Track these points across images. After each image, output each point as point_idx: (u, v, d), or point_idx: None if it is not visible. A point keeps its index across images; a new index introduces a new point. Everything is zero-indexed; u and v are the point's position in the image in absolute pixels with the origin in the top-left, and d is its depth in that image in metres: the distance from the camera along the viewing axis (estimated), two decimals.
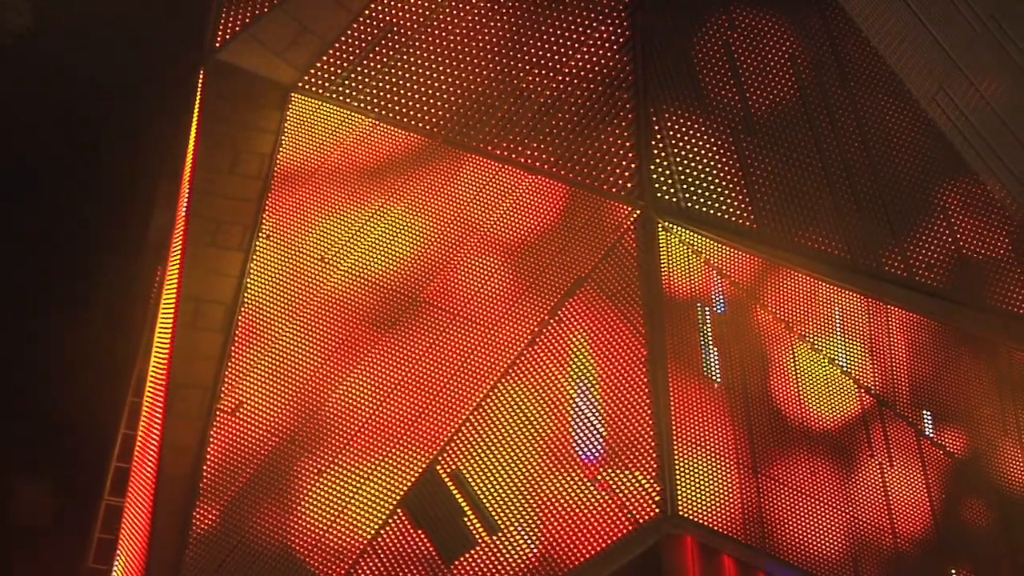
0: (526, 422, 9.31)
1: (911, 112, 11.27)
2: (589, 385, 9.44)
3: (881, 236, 10.65)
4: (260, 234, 10.34)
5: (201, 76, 10.98)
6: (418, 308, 9.87)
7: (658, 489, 9.03)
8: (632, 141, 10.21)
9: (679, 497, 9.07)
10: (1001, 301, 10.86)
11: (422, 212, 10.27)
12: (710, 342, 9.87)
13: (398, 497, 9.19)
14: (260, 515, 9.22)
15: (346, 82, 10.92)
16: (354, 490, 9.25)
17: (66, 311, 12.17)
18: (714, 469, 9.35)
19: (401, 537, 9.08)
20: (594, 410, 9.33)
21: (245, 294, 10.09)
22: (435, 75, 10.80)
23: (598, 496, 9.06)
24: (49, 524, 11.42)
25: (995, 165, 11.39)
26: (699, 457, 9.32)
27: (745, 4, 11.17)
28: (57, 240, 12.87)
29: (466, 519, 9.07)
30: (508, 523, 9.04)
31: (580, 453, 9.22)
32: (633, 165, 10.12)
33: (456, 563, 8.95)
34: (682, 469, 9.18)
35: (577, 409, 9.35)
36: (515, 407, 9.37)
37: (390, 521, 9.13)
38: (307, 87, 10.98)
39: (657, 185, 10.10)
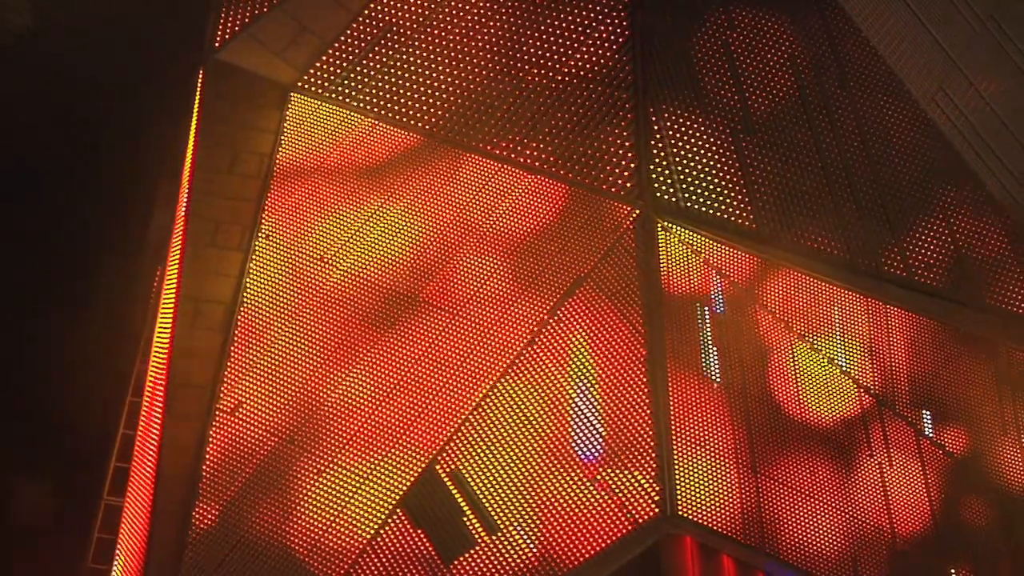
0: (525, 422, 9.31)
1: (910, 112, 11.26)
2: (588, 385, 9.44)
3: (880, 236, 10.65)
4: (259, 234, 10.34)
5: (201, 76, 10.98)
6: (417, 308, 9.87)
7: (657, 489, 9.03)
8: (631, 141, 10.21)
9: (678, 497, 9.07)
10: (1000, 301, 10.85)
11: (421, 212, 10.27)
12: (710, 342, 9.87)
13: (397, 497, 9.19)
14: (259, 515, 9.22)
15: (345, 82, 10.92)
16: (353, 490, 9.25)
17: (66, 311, 12.14)
18: (713, 469, 9.36)
19: (401, 537, 9.08)
20: (593, 410, 9.33)
21: (244, 294, 10.09)
22: (434, 75, 10.80)
23: (598, 496, 9.06)
24: (49, 524, 11.39)
25: (994, 165, 11.39)
26: (698, 457, 9.32)
27: (745, 4, 11.17)
28: (57, 240, 12.84)
29: (465, 519, 9.07)
30: (508, 523, 9.04)
31: (579, 453, 9.22)
32: (632, 165, 10.13)
33: (456, 563, 8.95)
34: (681, 469, 9.18)
35: (576, 409, 9.35)
36: (514, 407, 9.37)
37: (389, 521, 9.13)
38: (306, 87, 10.98)
39: (656, 185, 10.10)
